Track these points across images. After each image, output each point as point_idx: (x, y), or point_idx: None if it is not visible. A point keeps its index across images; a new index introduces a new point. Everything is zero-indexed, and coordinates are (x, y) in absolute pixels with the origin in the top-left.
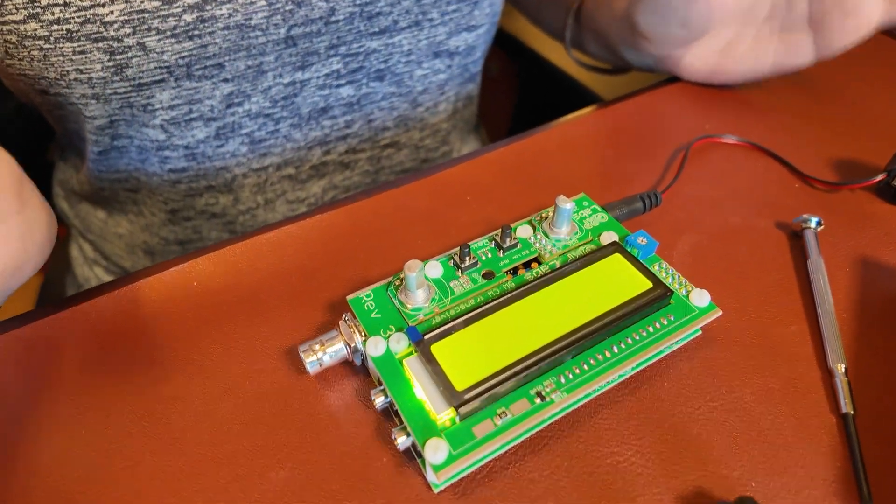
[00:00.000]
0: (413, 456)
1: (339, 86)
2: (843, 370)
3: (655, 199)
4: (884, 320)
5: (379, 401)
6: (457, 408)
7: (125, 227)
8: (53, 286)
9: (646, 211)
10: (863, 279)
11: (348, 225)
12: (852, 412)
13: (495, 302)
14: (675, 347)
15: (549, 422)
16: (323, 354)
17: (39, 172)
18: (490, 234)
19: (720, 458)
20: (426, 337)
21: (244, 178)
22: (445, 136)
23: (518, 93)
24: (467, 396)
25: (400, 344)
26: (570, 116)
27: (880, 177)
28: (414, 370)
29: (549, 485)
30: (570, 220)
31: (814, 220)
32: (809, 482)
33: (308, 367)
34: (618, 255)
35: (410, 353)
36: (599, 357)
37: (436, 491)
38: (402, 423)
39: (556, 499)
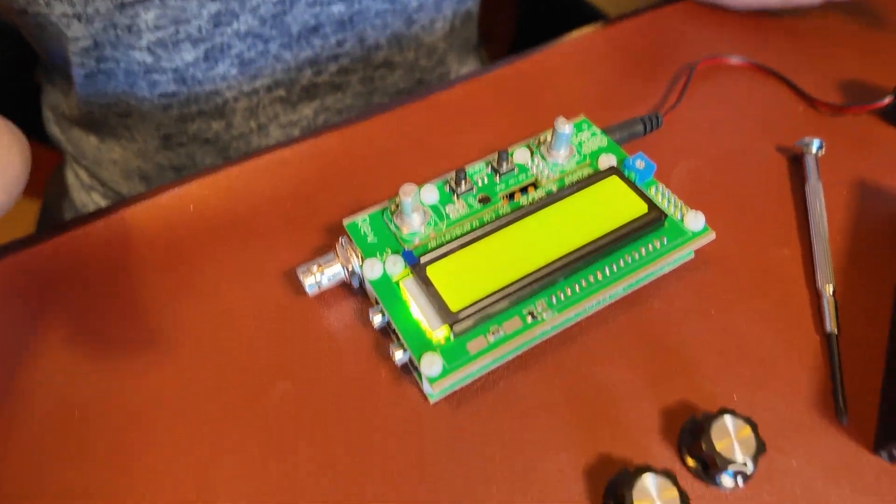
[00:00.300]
0: (410, 370)
1: (329, 3)
2: (831, 291)
3: (656, 122)
4: (877, 244)
5: (377, 319)
6: (451, 325)
7: (118, 153)
8: (52, 212)
9: (646, 133)
10: (860, 203)
11: (342, 149)
12: (836, 332)
13: (491, 226)
14: (667, 270)
15: (540, 339)
16: (321, 276)
17: (28, 95)
18: (486, 158)
19: (706, 374)
20: (422, 260)
21: (235, 102)
22: (442, 56)
23: (520, 8)
24: (461, 315)
25: (396, 266)
26: (573, 35)
27: (887, 100)
28: (410, 291)
29: (540, 399)
30: (569, 143)
31: (815, 143)
32: (790, 396)
33: (307, 288)
34: (614, 178)
35: (407, 276)
36: (591, 279)
37: (431, 402)
38: (399, 340)
39: (547, 412)
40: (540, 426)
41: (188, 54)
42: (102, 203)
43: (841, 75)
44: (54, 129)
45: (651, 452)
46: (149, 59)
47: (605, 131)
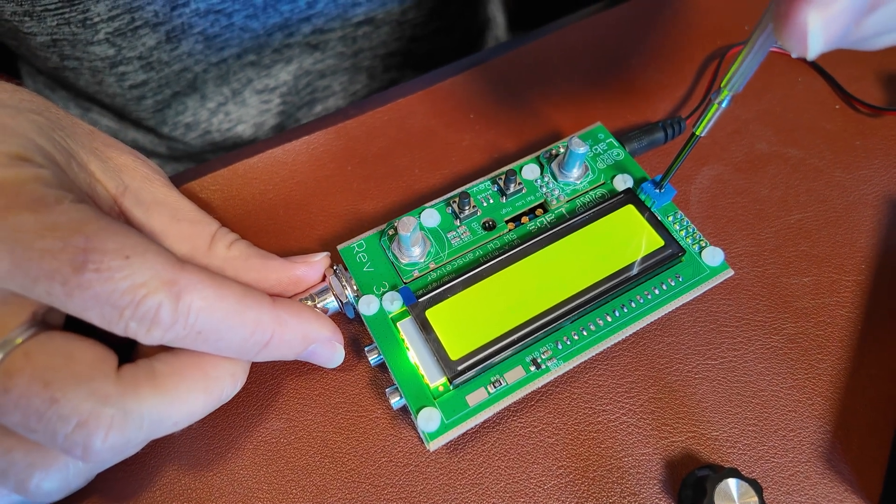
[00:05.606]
0: (407, 410)
1: None
2: None
3: (678, 128)
4: None
5: (373, 358)
6: (450, 379)
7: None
8: None
9: (667, 141)
10: (892, 220)
11: (339, 147)
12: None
13: (493, 262)
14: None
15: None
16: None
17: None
18: (493, 175)
19: (711, 420)
20: (421, 300)
21: (205, 74)
22: (435, 6)
23: None
24: (461, 367)
25: (394, 304)
26: (592, 11)
27: None
28: (408, 335)
29: (539, 441)
30: (583, 163)
31: None
32: (797, 444)
33: None
34: (630, 208)
35: (404, 315)
36: (600, 322)
37: (428, 448)
38: (395, 382)
39: (545, 455)
40: (539, 471)
41: (149, 39)
42: None
43: (884, 67)
44: None
45: None
46: (111, 52)
47: (623, 139)
